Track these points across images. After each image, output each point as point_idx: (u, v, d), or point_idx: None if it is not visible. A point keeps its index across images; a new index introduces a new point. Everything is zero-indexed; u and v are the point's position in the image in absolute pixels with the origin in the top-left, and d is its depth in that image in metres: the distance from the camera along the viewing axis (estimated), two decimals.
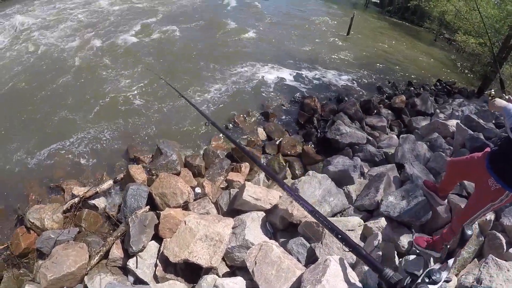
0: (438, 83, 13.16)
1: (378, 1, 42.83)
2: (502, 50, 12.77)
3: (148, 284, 4.42)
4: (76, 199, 5.93)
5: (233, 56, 13.76)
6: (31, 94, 10.29)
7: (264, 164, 6.89)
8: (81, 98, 9.81)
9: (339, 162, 5.61)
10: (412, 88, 12.21)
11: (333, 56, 15.44)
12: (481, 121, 6.37)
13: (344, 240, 1.37)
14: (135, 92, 10.12)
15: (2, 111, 9.47)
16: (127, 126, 8.52)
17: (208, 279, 3.88)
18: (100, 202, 6.03)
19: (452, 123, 6.75)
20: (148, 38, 15.18)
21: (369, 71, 13.74)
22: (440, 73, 15.47)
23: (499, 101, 2.62)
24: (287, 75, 12.29)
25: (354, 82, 12.36)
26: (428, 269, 1.20)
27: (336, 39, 18.68)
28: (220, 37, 16.53)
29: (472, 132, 5.84)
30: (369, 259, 1.27)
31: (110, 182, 6.30)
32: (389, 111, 9.23)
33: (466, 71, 17.61)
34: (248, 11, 23.35)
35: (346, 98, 10.03)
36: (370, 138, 7.24)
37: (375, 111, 9.11)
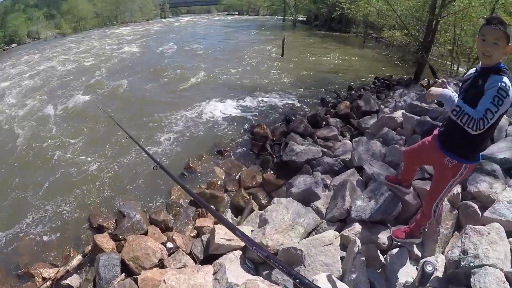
0: (376, 81, 13.61)
1: (305, 19, 44.56)
2: (427, 35, 13.45)
3: None
4: (48, 283, 5.64)
5: (177, 101, 13.82)
6: None
7: (229, 202, 6.81)
8: (30, 174, 9.46)
9: (301, 182, 5.57)
10: (353, 92, 12.53)
11: (273, 79, 15.77)
12: (423, 104, 6.59)
13: (298, 279, 1.37)
14: (85, 157, 9.86)
15: None
16: (83, 194, 8.19)
17: None
18: (73, 280, 5.74)
19: (398, 114, 6.94)
20: (95, 95, 15.12)
21: (309, 86, 14.07)
22: (376, 71, 16.05)
23: (434, 90, 2.69)
24: (232, 109, 12.33)
25: (298, 100, 12.57)
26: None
27: (273, 63, 19.21)
28: (164, 85, 16.67)
29: (418, 117, 6.00)
30: None
31: (79, 257, 6.02)
32: (337, 119, 9.37)
33: (399, 62, 18.32)
34: (185, 54, 23.76)
35: (293, 118, 10.08)
36: (325, 150, 7.26)
37: (324, 123, 9.22)
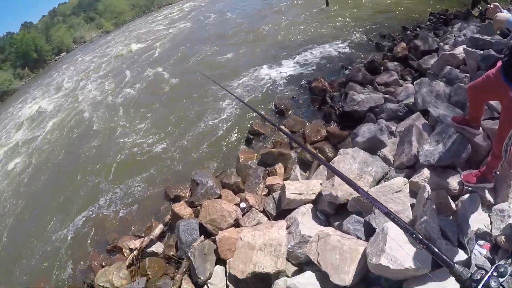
0: (431, 17, 12.71)
1: None
2: None
3: None
4: (135, 252, 6.14)
5: (232, 66, 13.95)
6: (60, 165, 10.85)
7: (296, 159, 6.93)
8: (106, 159, 10.46)
9: (365, 130, 5.53)
10: (409, 32, 11.86)
11: (322, 30, 15.35)
12: (486, 37, 6.16)
13: (417, 238, 1.40)
14: (152, 137, 10.59)
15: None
16: (157, 170, 8.84)
17: (280, 282, 3.95)
18: (157, 247, 6.21)
19: (459, 50, 6.59)
20: (164, 69, 15.73)
21: (361, 32, 13.54)
22: (430, 6, 15.08)
23: (500, 15, 2.56)
24: (286, 67, 12.28)
25: (351, 48, 12.18)
26: (496, 264, 1.20)
27: (318, 14, 18.60)
28: (208, 56, 16.82)
29: (482, 51, 5.67)
30: (440, 256, 1.29)
31: (160, 226, 6.48)
32: (395, 63, 9.00)
33: None
34: (232, 19, 23.88)
35: (349, 67, 9.92)
36: (386, 96, 7.08)
37: (382, 68, 8.93)
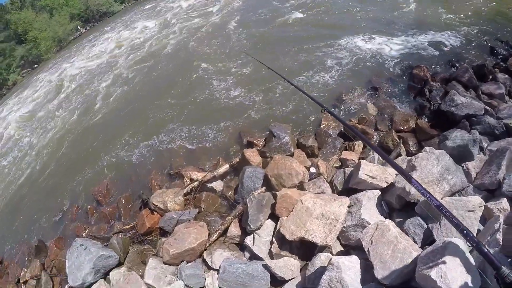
0: None
1: None
2: None
3: (264, 260, 4.78)
4: (196, 183, 6.53)
5: (329, 34, 13.66)
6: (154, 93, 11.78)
7: (377, 141, 6.93)
8: (191, 97, 10.87)
9: (457, 136, 5.43)
10: None
11: (435, 16, 14.35)
12: None
13: (468, 236, 1.45)
14: (241, 88, 10.72)
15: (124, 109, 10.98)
16: (239, 113, 9.08)
17: (322, 257, 4.10)
18: (217, 185, 6.56)
19: None
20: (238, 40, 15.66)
21: (475, 28, 12.56)
22: None
23: None
24: (390, 44, 11.78)
25: (461, 43, 11.40)
26: None
27: None
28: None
29: None
30: (489, 256, 1.33)
31: (226, 166, 6.79)
32: (506, 76, 8.34)
33: None
34: None
35: (456, 64, 9.45)
36: (487, 108, 6.77)
37: (491, 77, 8.38)
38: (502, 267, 1.23)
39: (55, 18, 45.90)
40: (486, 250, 1.31)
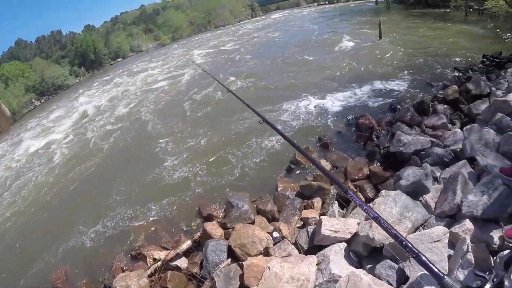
0: (484, 59, 12.38)
1: None
2: None
3: None
4: (159, 263, 6.26)
5: (278, 94, 14.14)
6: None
7: (335, 194, 6.84)
8: (146, 169, 10.82)
9: (410, 174, 5.41)
10: (461, 74, 11.62)
11: (373, 66, 15.31)
12: None
13: (407, 247, 1.35)
14: (194, 152, 11.01)
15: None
16: (193, 188, 8.97)
17: None
18: (182, 263, 6.28)
19: None
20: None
21: (412, 70, 13.40)
22: (483, 48, 14.68)
23: None
24: (335, 100, 12.30)
25: (401, 86, 12.05)
26: (494, 273, 1.12)
27: (371, 48, 18.65)
28: (252, 82, 17.08)
29: None
30: (429, 267, 1.24)
31: (189, 242, 6.57)
32: (445, 106, 8.79)
33: (509, 35, 16.48)
34: (281, 47, 24.30)
35: (398, 106, 9.80)
36: (433, 140, 6.94)
37: (431, 110, 8.80)
38: (445, 277, 1.11)
39: (10, 89, 45.56)
40: (426, 260, 1.21)
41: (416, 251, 1.24)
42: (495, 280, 1.06)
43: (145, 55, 57.50)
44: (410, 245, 1.25)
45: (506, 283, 0.97)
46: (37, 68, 53.19)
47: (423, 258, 1.20)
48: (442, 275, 1.13)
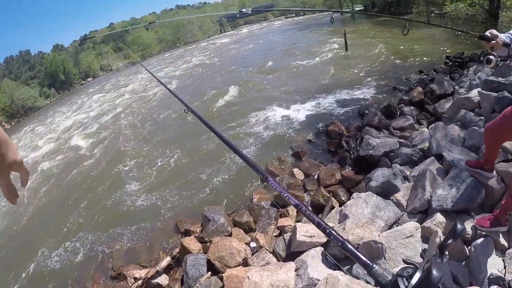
0: (447, 60, 12.80)
1: (362, 8, 43.74)
2: (492, 2, 12.94)
3: None
4: (140, 282, 6.19)
5: (245, 106, 14.21)
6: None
7: (309, 201, 6.89)
8: (121, 188, 10.73)
9: (379, 175, 5.49)
10: (425, 76, 11.92)
11: (340, 75, 15.57)
12: (500, 79, 6.21)
13: (331, 235, 1.32)
14: (167, 172, 10.84)
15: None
16: (169, 204, 8.92)
17: None
18: (163, 280, 6.23)
19: (474, 93, 6.67)
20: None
21: (378, 76, 13.70)
22: (446, 50, 15.16)
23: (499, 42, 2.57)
24: (304, 110, 12.45)
25: (369, 92, 12.30)
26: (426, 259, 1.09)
27: (337, 58, 19.03)
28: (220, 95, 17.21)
29: (496, 93, 5.72)
30: (356, 255, 1.19)
31: (168, 258, 6.53)
32: (412, 107, 9.06)
33: (467, 37, 17.10)
34: (249, 59, 24.62)
35: (366, 111, 9.90)
36: (402, 140, 7.06)
37: (398, 113, 9.01)
38: (374, 266, 1.09)
39: None
40: (352, 248, 1.17)
41: (341, 239, 1.21)
42: (425, 267, 1.04)
43: (115, 74, 57.06)
44: (334, 233, 1.22)
45: (434, 272, 0.95)
46: (6, 90, 52.57)
47: (349, 246, 1.17)
48: (370, 264, 1.11)
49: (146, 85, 30.17)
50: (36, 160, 18.64)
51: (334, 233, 1.22)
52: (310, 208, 6.20)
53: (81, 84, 64.51)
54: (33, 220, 11.15)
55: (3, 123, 46.46)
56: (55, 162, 17.03)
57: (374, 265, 1.07)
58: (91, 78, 67.57)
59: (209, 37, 75.27)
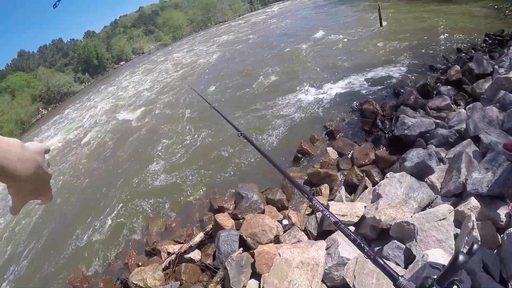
0: (487, 38, 12.23)
1: None
2: None
3: None
4: (173, 256, 6.37)
5: (281, 86, 14.16)
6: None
7: (342, 180, 6.92)
8: (155, 172, 10.96)
9: (414, 155, 5.46)
10: (463, 54, 11.48)
11: (375, 52, 15.19)
12: None
13: (363, 250, 1.37)
14: (203, 150, 11.10)
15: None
16: (204, 182, 9.15)
17: None
18: (195, 255, 6.38)
19: None
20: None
21: (414, 53, 13.29)
22: (486, 27, 14.51)
23: None
24: (338, 88, 12.32)
25: (405, 70, 11.96)
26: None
27: (372, 34, 18.51)
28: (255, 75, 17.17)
29: None
30: (386, 268, 1.25)
31: (201, 234, 6.67)
32: (449, 87, 8.77)
33: (509, 12, 16.23)
34: (282, 37, 24.32)
35: (402, 90, 9.71)
36: (438, 121, 6.92)
37: (435, 92, 8.74)
38: (399, 278, 1.14)
39: (17, 100, 46.40)
40: (382, 263, 1.23)
41: (373, 253, 1.27)
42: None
43: (148, 56, 57.55)
44: (366, 248, 1.29)
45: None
46: (42, 78, 54.29)
47: (379, 260, 1.23)
48: (396, 276, 1.16)
49: (178, 64, 30.43)
50: (79, 137, 19.53)
51: (366, 248, 1.29)
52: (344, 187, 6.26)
53: (114, 68, 65.81)
54: (74, 196, 11.71)
55: (40, 109, 47.76)
56: (101, 135, 18.04)
57: (400, 278, 1.14)
58: (124, 62, 68.65)
59: (239, 16, 74.50)
